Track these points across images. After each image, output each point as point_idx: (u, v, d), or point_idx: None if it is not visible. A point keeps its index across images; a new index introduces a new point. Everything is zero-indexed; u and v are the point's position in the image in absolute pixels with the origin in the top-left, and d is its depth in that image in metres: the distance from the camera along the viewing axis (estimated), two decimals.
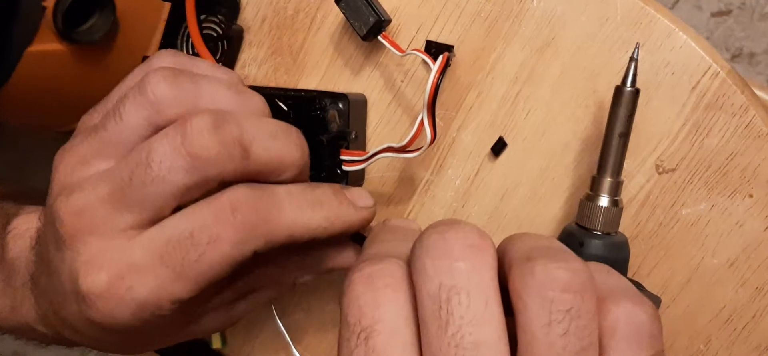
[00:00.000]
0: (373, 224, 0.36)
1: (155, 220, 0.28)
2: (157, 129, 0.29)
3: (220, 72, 0.33)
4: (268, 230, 0.29)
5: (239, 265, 0.29)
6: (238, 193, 0.28)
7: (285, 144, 0.31)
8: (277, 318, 0.43)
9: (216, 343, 0.46)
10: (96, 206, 0.28)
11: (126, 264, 0.28)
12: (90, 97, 0.34)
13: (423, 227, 0.24)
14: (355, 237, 0.36)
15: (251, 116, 0.30)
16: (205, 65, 0.33)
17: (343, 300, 0.23)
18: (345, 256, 0.35)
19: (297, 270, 0.35)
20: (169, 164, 0.27)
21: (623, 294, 0.23)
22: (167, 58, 0.32)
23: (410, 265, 0.23)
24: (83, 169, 0.29)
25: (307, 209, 0.30)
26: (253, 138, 0.29)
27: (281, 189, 0.30)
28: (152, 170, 0.27)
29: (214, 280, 0.29)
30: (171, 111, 0.29)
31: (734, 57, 1.09)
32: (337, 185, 0.33)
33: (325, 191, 0.32)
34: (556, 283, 0.21)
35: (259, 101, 0.32)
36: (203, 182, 0.28)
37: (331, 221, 0.31)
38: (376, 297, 0.22)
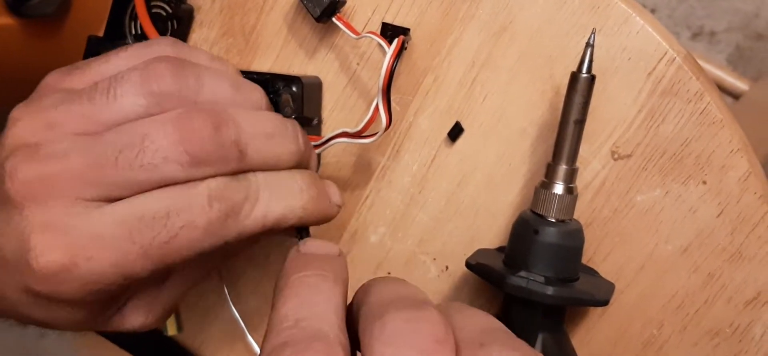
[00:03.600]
0: None
1: (125, 198, 0.28)
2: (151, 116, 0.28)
3: (219, 63, 0.33)
4: (241, 222, 0.29)
5: (207, 254, 0.28)
6: (217, 183, 0.28)
7: (281, 142, 0.31)
8: (231, 304, 0.42)
9: (171, 330, 0.45)
10: (63, 176, 0.27)
11: (89, 233, 0.27)
12: (41, 75, 0.33)
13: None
14: None
15: (250, 111, 0.30)
16: (205, 56, 0.32)
17: None
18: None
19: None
20: (164, 155, 0.27)
21: (494, 340, 0.23)
22: (167, 47, 0.31)
23: (361, 342, 0.22)
24: (52, 133, 0.28)
25: (286, 199, 0.30)
26: (250, 140, 0.29)
27: (260, 179, 0.30)
28: (145, 156, 0.27)
29: (175, 264, 0.28)
30: (172, 105, 0.28)
31: (695, 35, 1.10)
32: (316, 175, 0.33)
33: (305, 180, 0.31)
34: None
35: (258, 95, 0.32)
36: (195, 178, 0.28)
37: (308, 211, 0.31)
38: None
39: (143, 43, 0.32)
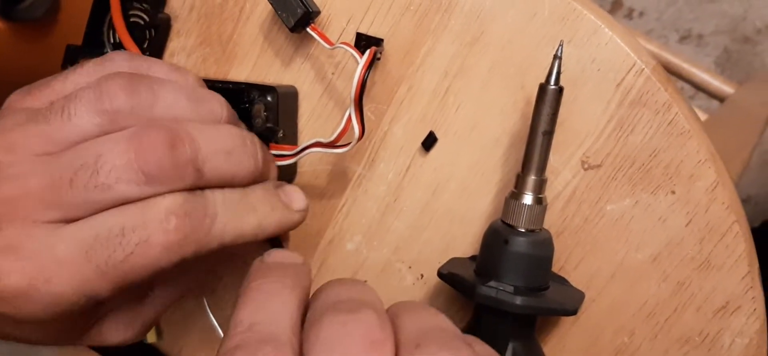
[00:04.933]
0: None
1: (84, 218, 0.28)
2: (107, 134, 0.28)
3: (178, 75, 0.32)
4: (199, 239, 0.28)
5: (162, 271, 0.28)
6: (175, 200, 0.28)
7: (239, 159, 0.30)
8: (210, 313, 0.42)
9: (151, 338, 0.45)
10: (22, 198, 0.27)
11: (48, 256, 0.27)
12: (29, 77, 0.33)
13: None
14: None
15: (208, 125, 0.30)
16: (163, 68, 0.32)
17: None
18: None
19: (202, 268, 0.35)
20: (117, 175, 0.27)
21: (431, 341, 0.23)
22: (123, 63, 0.31)
23: (303, 347, 0.23)
24: (12, 156, 0.28)
25: (241, 216, 0.30)
26: (206, 157, 0.29)
27: (218, 197, 0.29)
28: (99, 177, 0.27)
29: (134, 283, 0.28)
30: (126, 122, 0.28)
31: (683, 38, 1.11)
32: (270, 187, 0.32)
33: (258, 196, 0.31)
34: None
35: (217, 106, 0.32)
36: (150, 195, 0.28)
37: (262, 226, 0.31)
38: None
39: (99, 59, 0.32)
